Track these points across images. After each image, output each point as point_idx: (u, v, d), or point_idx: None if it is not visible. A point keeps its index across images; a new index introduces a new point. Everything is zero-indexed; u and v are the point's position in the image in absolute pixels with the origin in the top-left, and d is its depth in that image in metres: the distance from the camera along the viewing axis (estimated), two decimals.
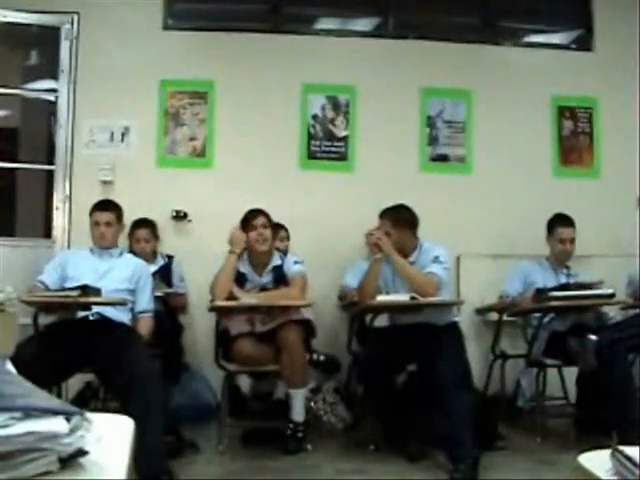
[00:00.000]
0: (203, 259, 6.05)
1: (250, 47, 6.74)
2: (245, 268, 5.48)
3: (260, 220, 5.43)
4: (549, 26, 7.43)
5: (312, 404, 5.71)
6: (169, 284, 5.99)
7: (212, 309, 5.30)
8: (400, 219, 5.41)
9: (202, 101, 6.66)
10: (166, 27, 6.72)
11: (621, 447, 1.45)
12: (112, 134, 6.51)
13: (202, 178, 6.61)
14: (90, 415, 1.56)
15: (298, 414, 5.14)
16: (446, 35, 7.05)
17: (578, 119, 7.18)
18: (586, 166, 7.17)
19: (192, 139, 6.64)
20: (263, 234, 5.41)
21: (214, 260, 5.50)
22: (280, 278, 5.47)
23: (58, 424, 1.47)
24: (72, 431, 1.47)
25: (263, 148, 6.69)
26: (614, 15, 7.23)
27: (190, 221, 6.53)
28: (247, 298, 5.26)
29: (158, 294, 5.55)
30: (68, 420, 1.48)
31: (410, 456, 4.90)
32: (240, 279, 5.42)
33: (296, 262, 5.53)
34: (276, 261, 5.52)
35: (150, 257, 5.94)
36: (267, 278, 5.48)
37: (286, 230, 6.18)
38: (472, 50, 7.09)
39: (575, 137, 7.18)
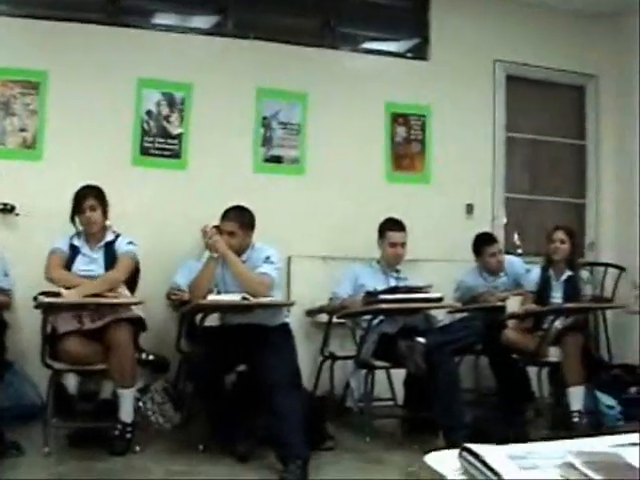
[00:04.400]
0: (30, 254, 5.85)
1: (85, 38, 6.55)
2: (78, 242, 5.38)
3: (88, 202, 5.33)
4: (387, 34, 7.60)
5: (140, 404, 5.61)
6: None
7: (37, 306, 5.12)
8: (245, 221, 5.37)
9: (34, 91, 6.42)
10: None
11: (469, 445, 1.45)
12: None
13: (32, 171, 6.36)
14: None
15: (126, 414, 5.03)
16: (285, 37, 7.10)
17: (411, 126, 7.36)
18: (418, 172, 7.35)
19: (22, 130, 6.40)
20: (90, 217, 5.31)
21: (41, 255, 5.34)
22: (111, 255, 5.39)
23: None
24: None
25: (96, 142, 6.50)
26: (450, 25, 7.46)
27: (18, 215, 6.30)
28: (74, 293, 5.12)
29: None
30: None
31: (240, 456, 4.90)
32: (73, 253, 5.33)
33: (130, 242, 5.45)
34: (109, 237, 5.43)
35: None
36: (98, 254, 5.39)
37: None
38: (310, 53, 7.15)
39: (408, 143, 7.36)
